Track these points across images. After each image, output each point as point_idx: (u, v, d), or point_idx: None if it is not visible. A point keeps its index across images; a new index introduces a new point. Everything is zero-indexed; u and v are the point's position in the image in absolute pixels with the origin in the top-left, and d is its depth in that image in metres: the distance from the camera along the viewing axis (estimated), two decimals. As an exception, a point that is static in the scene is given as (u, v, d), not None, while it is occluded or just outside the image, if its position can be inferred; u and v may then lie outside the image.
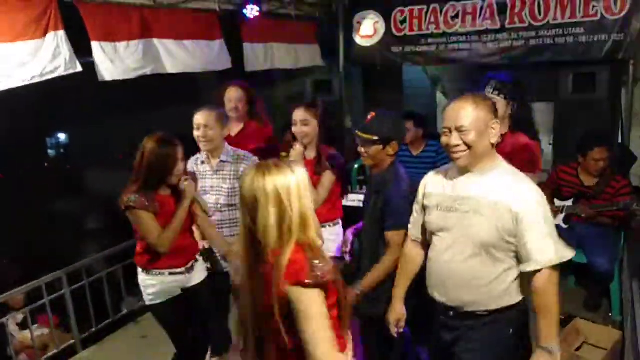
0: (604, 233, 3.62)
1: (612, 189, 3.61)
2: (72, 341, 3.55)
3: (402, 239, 2.30)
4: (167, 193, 2.58)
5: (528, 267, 1.86)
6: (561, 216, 3.78)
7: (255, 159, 2.95)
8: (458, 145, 1.89)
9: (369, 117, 2.42)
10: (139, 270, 2.63)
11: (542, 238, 1.83)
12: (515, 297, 1.97)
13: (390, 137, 2.33)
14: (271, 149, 3.23)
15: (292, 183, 1.56)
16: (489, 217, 1.87)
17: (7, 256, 3.81)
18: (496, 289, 1.93)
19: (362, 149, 2.39)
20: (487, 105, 1.90)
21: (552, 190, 3.93)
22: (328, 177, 2.89)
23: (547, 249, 1.84)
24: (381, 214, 2.36)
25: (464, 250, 1.95)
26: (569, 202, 3.77)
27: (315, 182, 2.81)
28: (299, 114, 2.84)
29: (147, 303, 2.66)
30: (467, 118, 1.86)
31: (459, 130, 1.87)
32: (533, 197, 1.86)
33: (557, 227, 3.71)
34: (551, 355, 1.88)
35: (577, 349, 3.04)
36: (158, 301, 2.61)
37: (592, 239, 3.58)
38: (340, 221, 3.08)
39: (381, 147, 2.33)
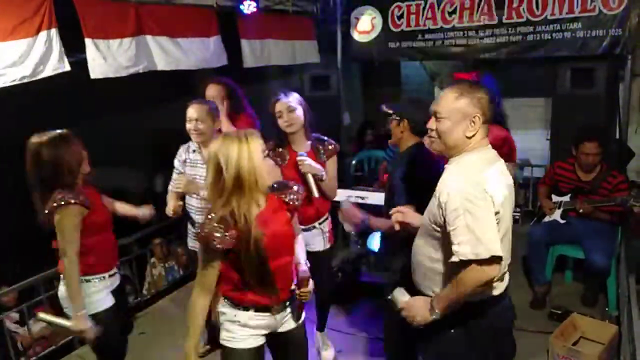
0: (601, 228, 3.62)
1: (609, 185, 3.62)
2: (70, 337, 3.56)
3: None
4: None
5: (453, 258, 1.77)
6: (558, 212, 3.78)
7: None
8: (432, 130, 1.89)
9: None
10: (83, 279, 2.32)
11: (462, 230, 1.73)
12: None
13: (402, 114, 2.42)
14: None
15: (232, 151, 1.83)
16: (430, 204, 1.89)
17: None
18: (432, 276, 1.93)
19: (387, 125, 2.52)
20: (473, 97, 1.82)
21: (549, 185, 3.94)
22: (333, 165, 2.87)
23: (464, 242, 1.73)
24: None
25: (419, 231, 2.02)
26: (567, 198, 3.78)
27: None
28: (283, 104, 2.76)
29: (93, 312, 2.34)
30: (445, 106, 1.84)
31: (435, 115, 1.87)
32: (459, 189, 1.75)
33: (555, 222, 3.79)
34: (429, 311, 1.86)
35: (574, 344, 3.05)
36: (104, 307, 2.41)
37: (589, 235, 3.59)
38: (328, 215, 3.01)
39: (396, 122, 2.44)
